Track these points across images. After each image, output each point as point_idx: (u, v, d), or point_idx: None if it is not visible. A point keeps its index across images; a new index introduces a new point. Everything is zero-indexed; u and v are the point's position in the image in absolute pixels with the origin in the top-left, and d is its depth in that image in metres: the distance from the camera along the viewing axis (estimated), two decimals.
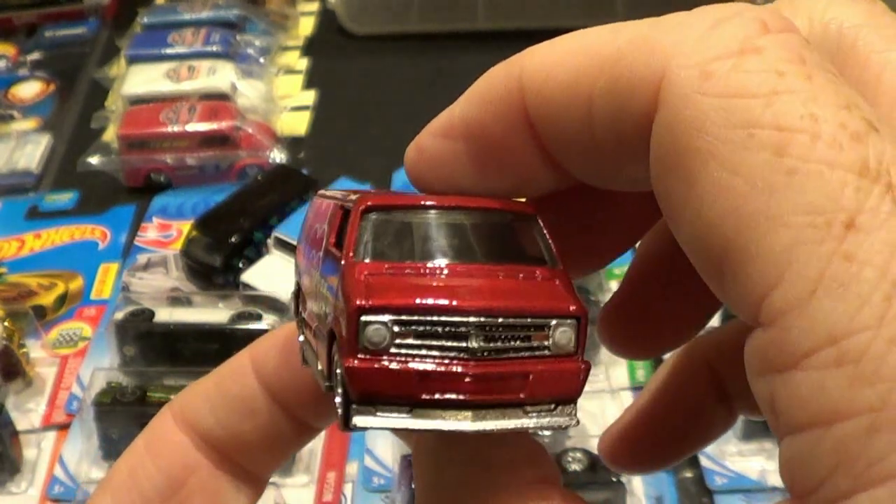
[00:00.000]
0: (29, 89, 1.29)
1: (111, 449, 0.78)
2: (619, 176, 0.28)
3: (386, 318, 0.25)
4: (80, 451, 0.80)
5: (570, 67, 0.26)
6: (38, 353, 0.89)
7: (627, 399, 0.81)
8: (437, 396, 0.25)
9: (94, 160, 1.11)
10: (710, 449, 0.76)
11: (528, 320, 0.26)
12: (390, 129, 1.13)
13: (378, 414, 0.25)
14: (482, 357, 0.25)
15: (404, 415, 0.25)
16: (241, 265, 0.94)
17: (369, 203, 0.28)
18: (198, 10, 1.30)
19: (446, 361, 0.25)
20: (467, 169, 0.29)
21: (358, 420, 0.25)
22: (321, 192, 0.35)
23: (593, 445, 0.72)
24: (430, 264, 0.27)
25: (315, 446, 0.79)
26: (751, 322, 0.22)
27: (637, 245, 0.36)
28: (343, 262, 0.27)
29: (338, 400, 0.26)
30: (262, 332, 0.83)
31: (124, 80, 1.16)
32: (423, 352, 0.25)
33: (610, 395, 0.81)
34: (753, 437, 0.76)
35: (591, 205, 0.33)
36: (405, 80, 1.27)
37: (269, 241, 0.94)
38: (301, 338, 0.34)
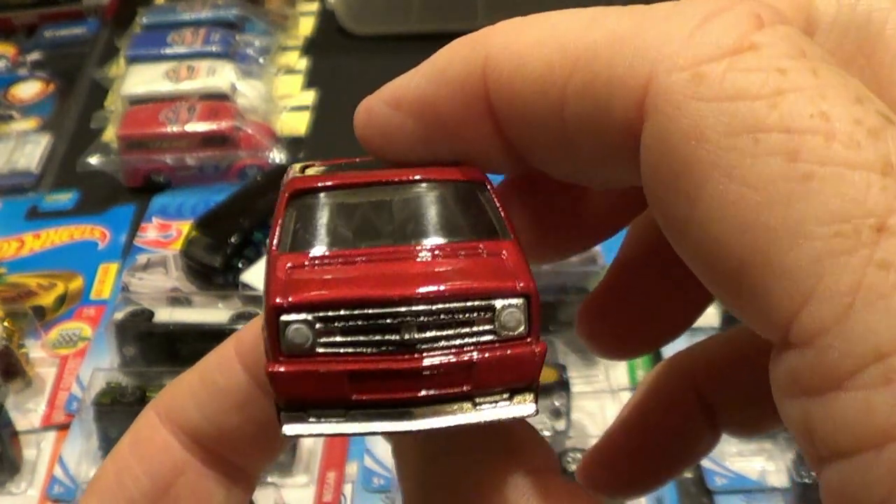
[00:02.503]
0: (29, 89, 1.29)
1: (111, 449, 0.78)
2: (593, 176, 0.26)
3: (307, 315, 0.23)
4: (80, 452, 0.79)
5: (539, 58, 0.24)
6: (38, 353, 0.89)
7: (627, 399, 0.81)
8: (371, 396, 0.23)
9: (93, 160, 1.10)
10: None
11: (468, 303, 0.23)
12: None
13: (310, 420, 0.23)
14: (418, 349, 0.23)
15: (339, 419, 0.23)
16: (240, 265, 0.94)
17: (296, 187, 0.26)
18: (197, 10, 1.30)
19: (378, 358, 0.23)
20: (415, 144, 0.27)
21: (288, 428, 0.23)
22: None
23: None
24: (360, 251, 0.25)
25: (315, 446, 0.79)
26: (777, 341, 0.21)
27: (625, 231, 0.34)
28: (267, 257, 0.25)
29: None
30: None
31: (124, 80, 1.16)
32: (352, 349, 0.23)
33: (610, 395, 0.81)
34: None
35: (564, 187, 0.30)
36: None
37: None
38: None
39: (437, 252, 0.25)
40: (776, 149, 0.20)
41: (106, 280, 0.98)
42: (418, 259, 0.25)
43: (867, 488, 0.19)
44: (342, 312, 0.23)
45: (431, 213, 0.26)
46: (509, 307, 0.24)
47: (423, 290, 0.23)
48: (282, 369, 0.23)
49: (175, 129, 1.08)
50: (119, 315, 0.85)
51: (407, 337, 0.23)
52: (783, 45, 0.21)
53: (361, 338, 0.23)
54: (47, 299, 0.95)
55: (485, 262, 0.25)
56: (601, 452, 0.37)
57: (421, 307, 0.23)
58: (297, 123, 1.19)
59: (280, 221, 0.26)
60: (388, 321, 0.23)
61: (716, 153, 0.20)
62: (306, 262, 0.24)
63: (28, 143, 1.19)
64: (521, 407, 0.24)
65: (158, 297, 0.89)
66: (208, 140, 1.08)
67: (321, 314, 0.23)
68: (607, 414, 0.79)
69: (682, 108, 0.21)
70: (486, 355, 0.24)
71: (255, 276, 0.91)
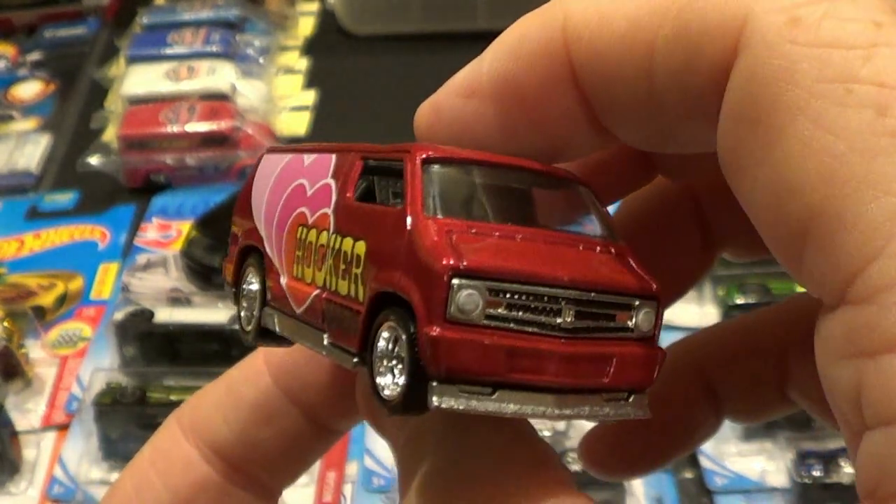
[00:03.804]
0: (29, 89, 1.29)
1: (111, 449, 0.78)
2: (674, 137, 0.25)
3: (480, 283, 0.22)
4: (80, 452, 0.79)
5: (624, 14, 0.23)
6: (38, 353, 0.89)
7: None
8: (524, 377, 0.22)
9: (93, 160, 1.10)
10: (710, 449, 0.75)
11: (617, 298, 0.24)
12: (390, 130, 1.13)
13: (460, 394, 0.22)
14: (572, 336, 0.23)
15: (487, 397, 0.22)
16: None
17: (429, 154, 0.25)
18: (197, 10, 1.30)
19: (537, 338, 0.23)
20: (494, 132, 0.26)
21: (439, 400, 0.22)
22: (273, 147, 0.32)
23: None
24: (505, 227, 0.24)
25: None
26: (832, 299, 0.20)
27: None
28: (410, 218, 0.24)
29: (393, 379, 0.23)
30: None
31: (124, 80, 1.16)
32: (513, 325, 0.23)
33: None
34: (753, 437, 0.76)
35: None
36: (405, 80, 1.26)
37: None
38: (244, 306, 0.31)
39: (580, 244, 0.25)
40: (867, 101, 0.20)
41: (106, 280, 0.98)
42: (568, 246, 0.24)
43: None
44: (514, 285, 0.22)
45: (558, 204, 0.26)
46: (646, 307, 0.24)
47: (585, 276, 0.23)
48: (447, 335, 0.22)
49: (175, 129, 1.08)
50: (119, 315, 0.85)
51: (568, 321, 0.23)
52: None
53: (523, 315, 0.23)
54: (47, 299, 0.95)
55: (620, 262, 0.25)
56: (604, 432, 0.37)
57: (581, 294, 0.23)
58: (297, 123, 1.19)
59: (419, 186, 0.24)
60: (553, 302, 0.23)
61: (804, 98, 0.20)
62: (463, 231, 0.24)
63: (28, 143, 1.19)
64: (640, 410, 0.24)
65: (158, 297, 0.89)
66: (208, 140, 1.08)
67: (495, 284, 0.22)
68: None
69: (776, 48, 0.21)
70: (625, 351, 0.24)
71: None
